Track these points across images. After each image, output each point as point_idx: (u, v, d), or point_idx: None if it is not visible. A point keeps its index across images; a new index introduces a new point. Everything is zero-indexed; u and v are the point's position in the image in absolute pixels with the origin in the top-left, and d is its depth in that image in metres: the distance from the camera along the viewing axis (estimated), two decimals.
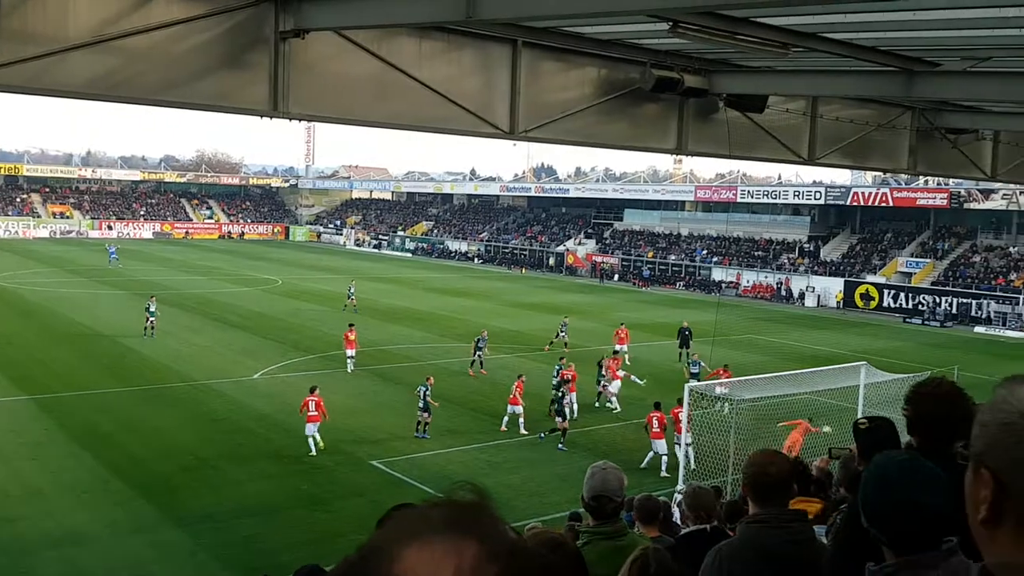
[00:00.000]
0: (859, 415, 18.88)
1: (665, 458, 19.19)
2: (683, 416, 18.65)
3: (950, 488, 2.53)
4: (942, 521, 2.44)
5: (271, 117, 8.19)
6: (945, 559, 2.41)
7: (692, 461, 18.52)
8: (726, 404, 19.97)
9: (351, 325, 30.03)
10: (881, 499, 2.53)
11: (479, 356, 28.95)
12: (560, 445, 20.99)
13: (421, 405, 21.43)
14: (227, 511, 16.12)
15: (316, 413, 19.99)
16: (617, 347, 30.61)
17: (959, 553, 2.43)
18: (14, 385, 24.95)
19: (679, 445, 18.87)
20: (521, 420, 22.02)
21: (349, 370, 28.37)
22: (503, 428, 22.03)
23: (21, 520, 15.32)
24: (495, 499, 1.01)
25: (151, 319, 32.96)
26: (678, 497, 12.36)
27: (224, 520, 15.71)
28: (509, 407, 22.14)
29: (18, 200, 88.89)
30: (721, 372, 23.52)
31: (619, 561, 3.86)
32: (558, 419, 21.46)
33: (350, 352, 28.67)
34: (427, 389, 21.57)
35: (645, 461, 19.56)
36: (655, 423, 19.41)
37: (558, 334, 33.37)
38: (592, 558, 3.62)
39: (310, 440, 19.86)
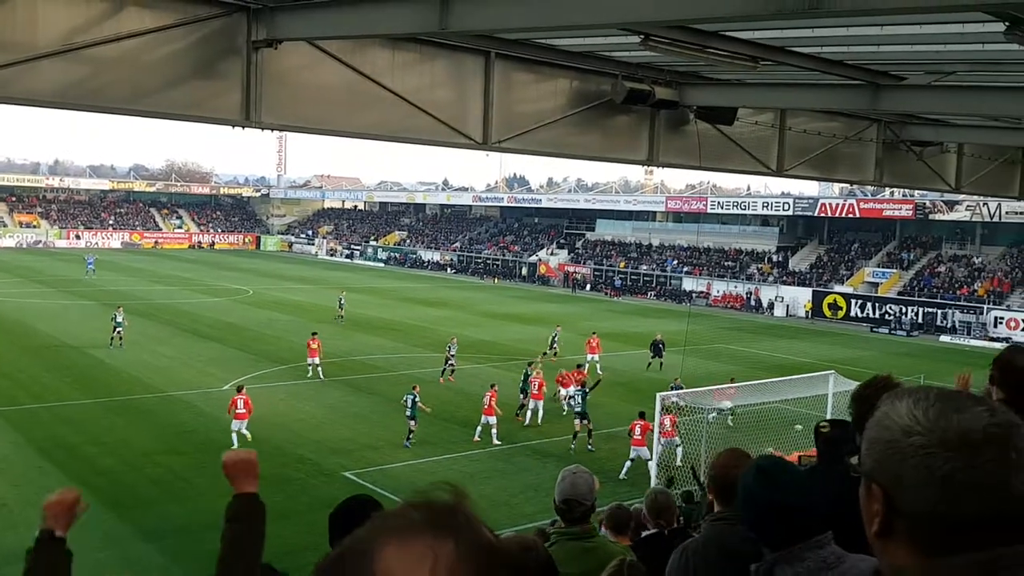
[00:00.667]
0: None
1: (651, 463, 19.10)
2: (663, 422, 19.26)
3: (811, 486, 2.70)
4: (805, 517, 2.62)
5: (243, 127, 8.17)
6: (813, 549, 2.57)
7: (678, 459, 19.33)
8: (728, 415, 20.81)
9: (314, 333, 29.99)
10: (747, 506, 2.78)
11: (450, 364, 28.95)
12: (589, 446, 21.61)
13: (408, 413, 21.44)
14: (197, 524, 15.92)
15: (244, 411, 21.20)
16: (589, 356, 30.76)
17: (830, 544, 2.59)
18: None
19: (654, 453, 19.10)
20: (494, 431, 22.01)
21: (320, 378, 28.31)
22: (476, 439, 22.00)
23: None
24: (472, 498, 1.03)
25: (118, 330, 32.47)
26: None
27: (195, 532, 15.52)
28: (483, 417, 22.10)
29: None
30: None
31: (587, 561, 3.92)
32: (583, 421, 21.96)
33: (313, 360, 28.74)
34: (415, 397, 21.62)
35: (624, 471, 19.61)
36: (637, 430, 19.60)
37: (552, 344, 33.46)
38: (560, 557, 3.67)
39: (234, 436, 20.81)
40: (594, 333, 33.13)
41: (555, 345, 33.47)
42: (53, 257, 72.80)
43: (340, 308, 42.28)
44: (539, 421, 23.71)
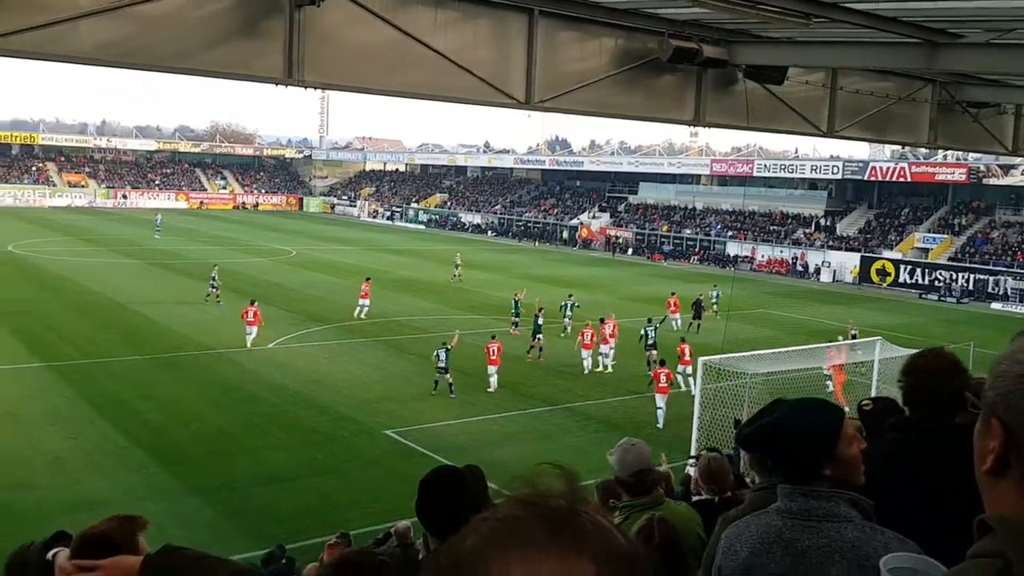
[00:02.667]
0: (872, 390, 18.86)
1: (660, 412, 20.83)
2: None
3: (822, 418, 2.70)
4: (801, 443, 2.61)
5: (285, 85, 8.13)
6: (810, 496, 2.54)
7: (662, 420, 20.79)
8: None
9: (368, 278, 33.86)
10: (771, 429, 2.74)
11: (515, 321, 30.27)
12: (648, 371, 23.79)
13: (442, 365, 22.15)
14: (242, 479, 16.29)
15: (254, 319, 27.06)
16: (668, 315, 33.03)
17: (835, 500, 2.54)
18: (32, 353, 25.20)
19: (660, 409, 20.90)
20: (493, 379, 23.08)
21: (362, 318, 31.59)
22: (491, 389, 23.07)
23: (40, 486, 15.54)
24: (580, 482, 0.89)
25: (214, 288, 34.16)
26: (689, 469, 12.38)
27: (239, 488, 15.87)
28: (490, 367, 23.17)
29: (34, 169, 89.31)
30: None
31: None
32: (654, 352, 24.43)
33: (364, 302, 32.17)
34: (447, 350, 22.25)
35: (660, 420, 20.73)
36: (662, 378, 21.05)
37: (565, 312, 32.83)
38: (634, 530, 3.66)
39: (248, 339, 26.72)
40: (673, 293, 34.63)
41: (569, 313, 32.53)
42: (99, 216, 74.16)
43: (457, 268, 44.76)
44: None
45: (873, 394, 16.95)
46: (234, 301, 35.28)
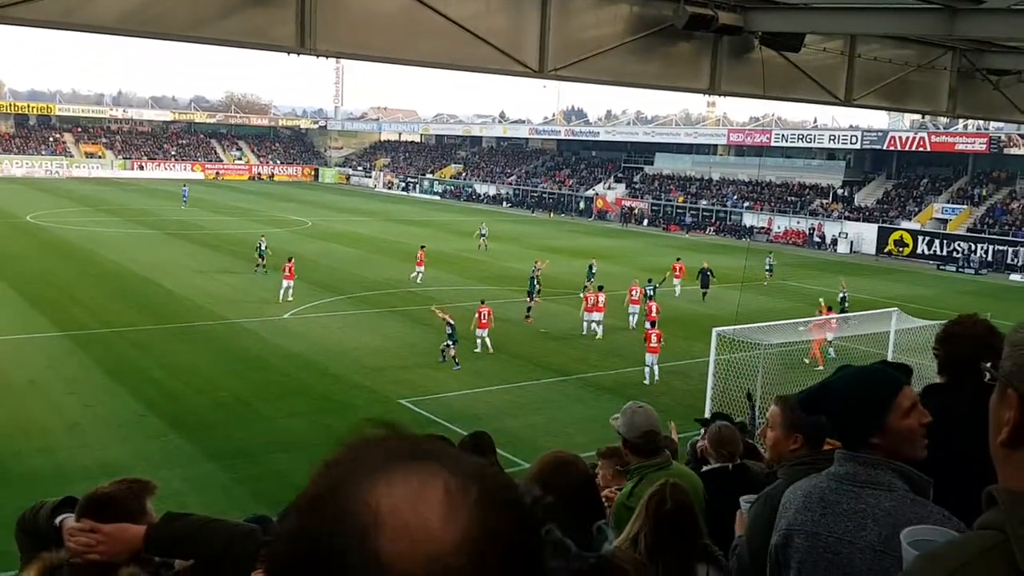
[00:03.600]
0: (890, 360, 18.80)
1: (647, 370, 21.99)
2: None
3: (866, 379, 2.69)
4: (841, 402, 2.63)
5: (298, 54, 8.13)
6: (858, 464, 2.56)
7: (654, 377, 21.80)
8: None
9: (422, 246, 35.69)
10: (836, 395, 2.74)
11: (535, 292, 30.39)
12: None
13: (450, 332, 22.58)
14: (259, 446, 16.48)
15: (290, 274, 29.70)
16: (673, 278, 34.08)
17: (886, 471, 2.55)
18: (51, 322, 25.48)
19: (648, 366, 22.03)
20: (479, 341, 23.86)
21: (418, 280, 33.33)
22: (477, 350, 23.73)
23: (60, 451, 15.79)
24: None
25: (262, 258, 34.79)
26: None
27: (256, 455, 16.06)
28: (478, 331, 23.87)
29: (51, 140, 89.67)
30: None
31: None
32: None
33: (420, 268, 34.49)
34: (452, 327, 22.62)
35: (647, 377, 21.87)
36: (653, 338, 22.10)
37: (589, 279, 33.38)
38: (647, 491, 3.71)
39: (280, 292, 29.32)
40: (678, 259, 35.75)
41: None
42: (116, 187, 74.48)
43: (483, 238, 45.67)
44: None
45: None
46: (252, 270, 35.44)
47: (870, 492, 2.51)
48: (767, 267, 38.93)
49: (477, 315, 24.04)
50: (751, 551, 3.24)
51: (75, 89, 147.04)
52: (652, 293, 28.80)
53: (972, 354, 3.44)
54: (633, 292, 28.73)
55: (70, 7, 6.96)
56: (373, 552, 0.78)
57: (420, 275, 34.22)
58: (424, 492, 0.81)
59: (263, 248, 35.24)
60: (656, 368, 21.94)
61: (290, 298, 29.29)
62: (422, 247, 35.53)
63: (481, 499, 0.82)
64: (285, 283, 29.61)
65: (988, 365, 1.27)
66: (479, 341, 23.89)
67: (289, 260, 30.16)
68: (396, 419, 0.94)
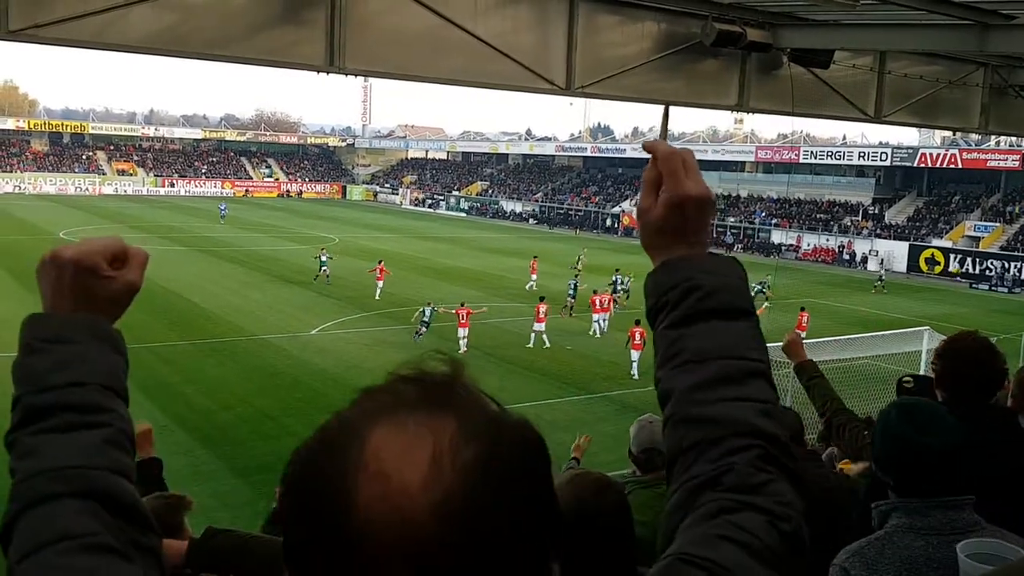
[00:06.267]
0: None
1: (635, 364, 23.84)
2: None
3: (952, 429, 2.48)
4: (938, 460, 2.40)
5: (327, 73, 8.18)
6: (943, 508, 2.37)
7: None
8: None
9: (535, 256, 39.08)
10: (882, 441, 2.56)
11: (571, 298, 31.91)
12: None
13: (426, 320, 25.68)
14: (283, 461, 16.46)
15: (380, 275, 33.41)
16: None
17: (967, 509, 2.38)
18: None
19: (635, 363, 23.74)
20: (463, 340, 25.14)
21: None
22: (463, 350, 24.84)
23: None
24: (470, 371, 0.90)
25: (324, 268, 36.31)
26: None
27: (280, 469, 16.04)
28: (460, 330, 25.43)
29: (84, 158, 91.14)
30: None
31: (659, 507, 3.86)
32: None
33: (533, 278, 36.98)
34: (432, 309, 26.10)
35: (634, 370, 23.63)
36: (637, 336, 23.71)
37: (615, 289, 34.15)
38: (634, 504, 3.61)
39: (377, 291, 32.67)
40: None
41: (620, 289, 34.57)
42: (147, 204, 75.46)
43: (579, 263, 42.00)
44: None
45: None
46: (279, 288, 35.64)
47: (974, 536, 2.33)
48: (758, 288, 34.50)
49: (458, 316, 25.67)
50: None
51: (108, 108, 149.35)
52: (621, 285, 33.10)
53: (969, 370, 3.41)
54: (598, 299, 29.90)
55: (101, 27, 7.06)
56: (349, 490, 0.78)
57: (533, 284, 36.16)
58: (422, 442, 0.79)
59: (324, 259, 36.73)
60: (634, 362, 23.81)
61: (377, 297, 32.65)
62: (535, 257, 38.85)
63: (475, 464, 0.78)
64: (379, 283, 33.24)
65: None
66: (463, 341, 25.45)
67: (379, 262, 33.71)
68: (454, 357, 0.92)
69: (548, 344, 26.61)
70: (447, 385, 0.86)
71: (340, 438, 0.83)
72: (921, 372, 19.21)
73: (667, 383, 1.22)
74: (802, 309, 28.80)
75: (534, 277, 37.12)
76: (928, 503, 2.38)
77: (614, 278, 34.61)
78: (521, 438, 0.84)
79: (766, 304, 34.24)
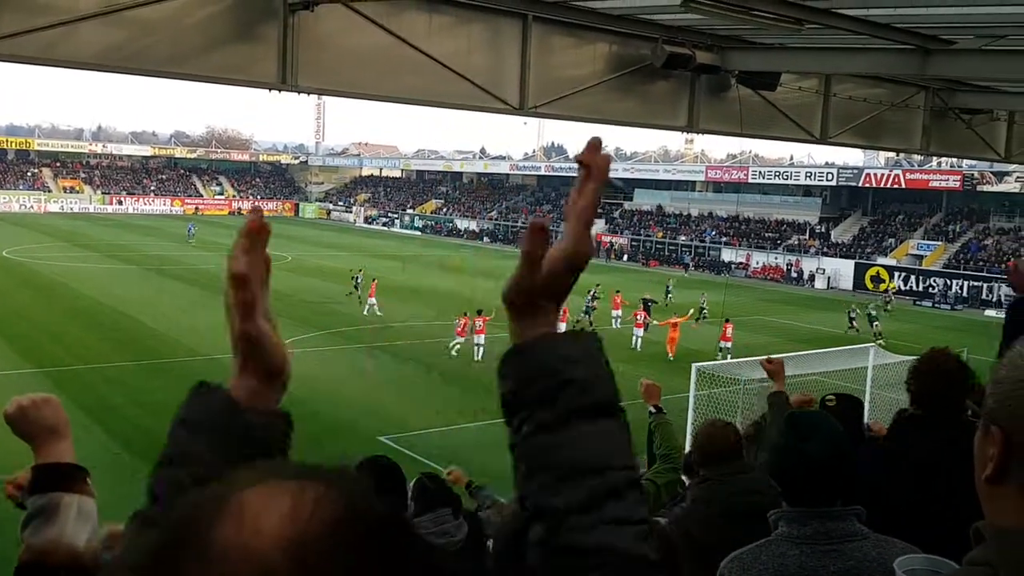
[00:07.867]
0: (866, 397, 18.89)
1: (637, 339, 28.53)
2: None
3: (834, 438, 2.56)
4: (818, 467, 2.47)
5: (280, 91, 8.17)
6: (824, 518, 2.43)
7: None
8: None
9: (374, 279, 36.74)
10: (769, 449, 2.70)
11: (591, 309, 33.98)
12: None
13: (356, 284, 29.18)
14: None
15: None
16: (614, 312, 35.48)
17: (849, 519, 2.44)
18: (24, 358, 25.12)
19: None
20: (457, 347, 26.96)
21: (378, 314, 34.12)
22: (453, 353, 26.80)
23: None
24: None
25: (356, 288, 37.16)
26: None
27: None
28: (457, 336, 27.27)
29: (29, 175, 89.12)
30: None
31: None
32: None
33: (372, 299, 35.41)
34: (359, 279, 32.57)
35: (635, 343, 28.33)
36: (639, 317, 29.82)
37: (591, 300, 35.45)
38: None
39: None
40: (618, 291, 36.90)
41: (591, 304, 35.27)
42: (94, 222, 74.00)
43: (594, 300, 39.62)
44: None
45: (867, 400, 17.01)
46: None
47: (852, 545, 2.41)
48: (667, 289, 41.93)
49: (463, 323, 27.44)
50: None
51: (54, 124, 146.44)
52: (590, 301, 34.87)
53: (943, 388, 3.51)
54: (637, 316, 31.34)
55: (50, 43, 6.96)
56: (207, 529, 0.77)
57: (372, 307, 34.69)
58: (277, 497, 0.78)
59: (359, 280, 37.74)
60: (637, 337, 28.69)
61: (379, 313, 33.67)
62: (374, 279, 36.79)
63: (336, 519, 0.77)
64: (371, 300, 34.20)
65: (972, 403, 1.27)
66: (455, 348, 26.97)
67: (373, 281, 35.69)
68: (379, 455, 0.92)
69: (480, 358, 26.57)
70: (334, 467, 0.86)
71: (210, 504, 0.80)
72: (867, 387, 19.62)
73: (538, 500, 1.14)
74: (727, 320, 29.75)
75: (372, 300, 34.95)
76: (807, 512, 2.45)
77: (590, 293, 35.61)
78: (394, 518, 0.83)
79: (703, 318, 34.87)
